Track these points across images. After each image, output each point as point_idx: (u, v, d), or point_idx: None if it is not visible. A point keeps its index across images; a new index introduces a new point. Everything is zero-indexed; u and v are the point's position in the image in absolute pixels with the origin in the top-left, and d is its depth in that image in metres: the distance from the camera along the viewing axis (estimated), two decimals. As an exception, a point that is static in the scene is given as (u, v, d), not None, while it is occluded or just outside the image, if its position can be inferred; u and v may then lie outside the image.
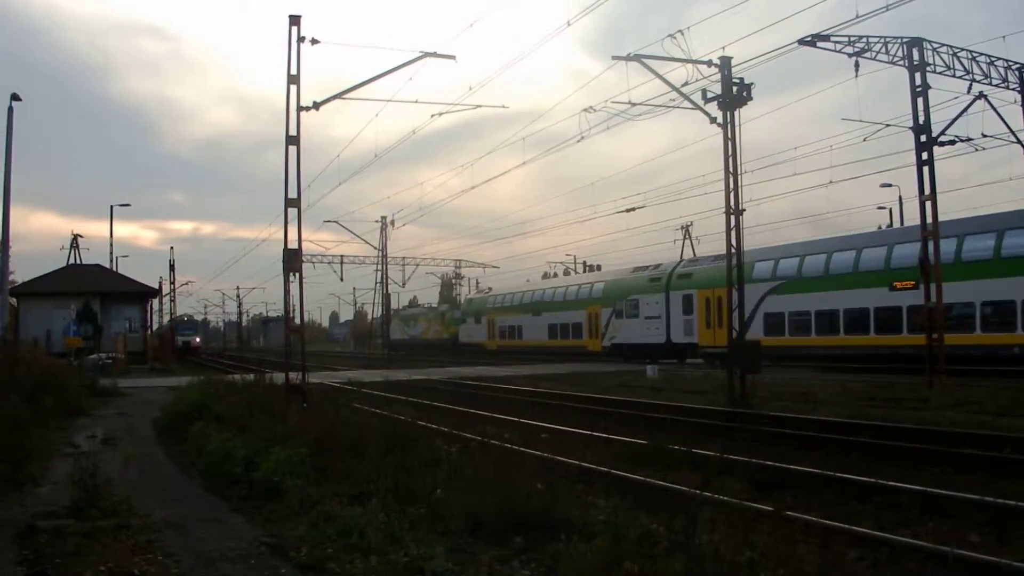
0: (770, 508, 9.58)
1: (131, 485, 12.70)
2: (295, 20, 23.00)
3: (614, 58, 27.84)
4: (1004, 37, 34.40)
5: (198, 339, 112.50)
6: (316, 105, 24.79)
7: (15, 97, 34.44)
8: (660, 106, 28.85)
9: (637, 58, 27.06)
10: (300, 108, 23.53)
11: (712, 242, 74.23)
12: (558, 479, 10.87)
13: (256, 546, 9.67)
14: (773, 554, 7.47)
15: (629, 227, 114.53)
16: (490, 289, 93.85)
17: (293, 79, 23.16)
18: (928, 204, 28.70)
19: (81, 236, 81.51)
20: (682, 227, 78.29)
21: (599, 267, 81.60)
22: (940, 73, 29.06)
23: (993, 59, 30.08)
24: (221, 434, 16.19)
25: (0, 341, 34.33)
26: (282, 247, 24.10)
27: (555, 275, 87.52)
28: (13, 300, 53.30)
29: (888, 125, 32.56)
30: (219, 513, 11.68)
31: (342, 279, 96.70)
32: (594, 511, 9.89)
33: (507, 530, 9.05)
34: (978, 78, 29.69)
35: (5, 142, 34.02)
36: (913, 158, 29.03)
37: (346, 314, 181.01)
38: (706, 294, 50.09)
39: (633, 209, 51.60)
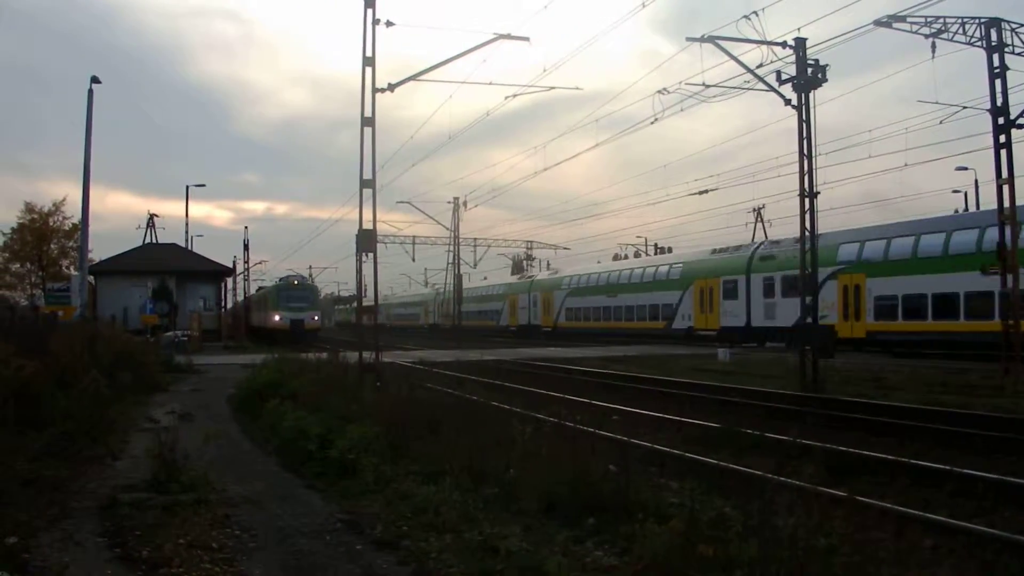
0: (845, 494, 9.48)
1: (208, 460, 12.89)
2: (370, 2, 23.09)
3: (688, 39, 27.64)
4: (1088, 17, 33.57)
5: (316, 316, 70.23)
6: (391, 87, 24.91)
7: (95, 79, 34.95)
8: (734, 88, 28.61)
9: (711, 39, 26.83)
10: (376, 90, 23.65)
11: (784, 225, 73.33)
12: (631, 461, 10.83)
13: (332, 522, 9.79)
14: (848, 540, 7.40)
15: (701, 209, 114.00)
16: (555, 270, 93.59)
17: (368, 61, 23.28)
18: (1006, 188, 28.19)
19: (157, 216, 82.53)
20: (754, 210, 77.70)
21: (670, 249, 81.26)
22: (1019, 54, 28.43)
23: (1075, 40, 29.35)
24: (296, 411, 16.38)
25: (80, 318, 34.97)
26: (355, 227, 24.35)
27: (625, 256, 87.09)
28: (91, 278, 54.25)
29: (965, 107, 31.97)
30: (294, 489, 11.84)
31: (414, 259, 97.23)
32: (667, 494, 9.85)
33: (581, 511, 9.06)
34: (1058, 59, 29.00)
35: (85, 123, 34.57)
36: (991, 141, 28.52)
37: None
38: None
39: (706, 191, 51.20)
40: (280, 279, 77.71)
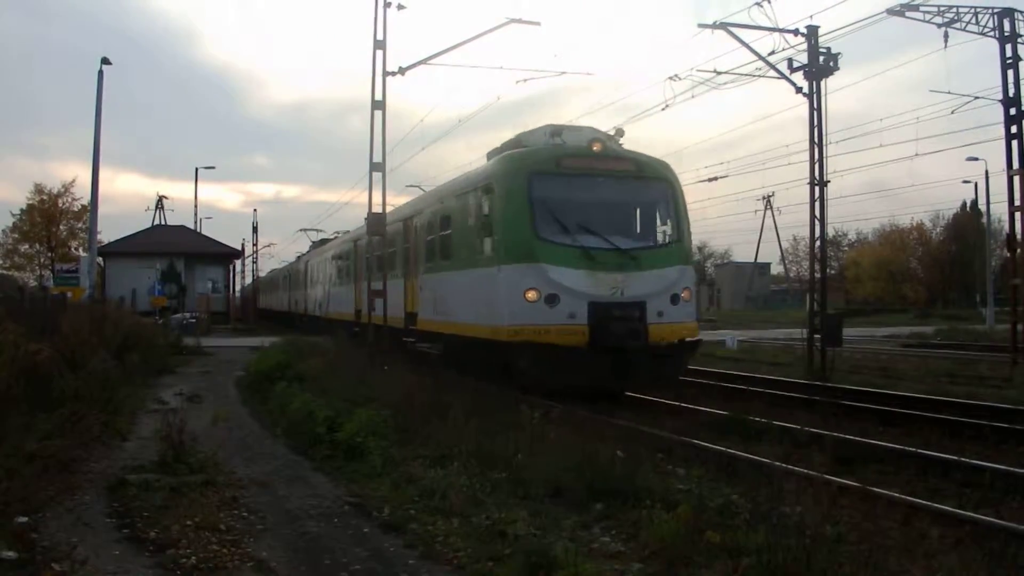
0: (854, 483, 9.49)
1: (216, 442, 12.94)
2: (381, -15, 23.03)
3: (699, 26, 27.51)
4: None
5: (686, 290, 18.64)
6: (402, 70, 24.92)
7: (105, 61, 34.95)
8: (746, 75, 28.41)
9: (723, 26, 26.70)
10: (386, 73, 23.66)
11: (794, 213, 73.28)
12: (639, 447, 10.85)
13: (339, 505, 9.83)
14: (857, 529, 7.41)
15: (711, 196, 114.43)
16: None
17: (379, 44, 23.30)
18: (1016, 178, 28.10)
19: (166, 197, 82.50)
20: (764, 197, 77.81)
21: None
22: (1032, 44, 28.28)
23: (1088, 30, 29.17)
24: (304, 394, 16.39)
25: (89, 299, 35.06)
26: (365, 210, 24.30)
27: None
28: (100, 259, 54.34)
29: (976, 97, 31.85)
30: (302, 472, 11.85)
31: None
32: (675, 480, 9.88)
33: (588, 496, 9.09)
34: (1072, 50, 28.82)
35: (95, 105, 34.58)
36: (1002, 131, 28.41)
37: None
38: None
39: (716, 178, 51.02)
40: (521, 138, 21.30)
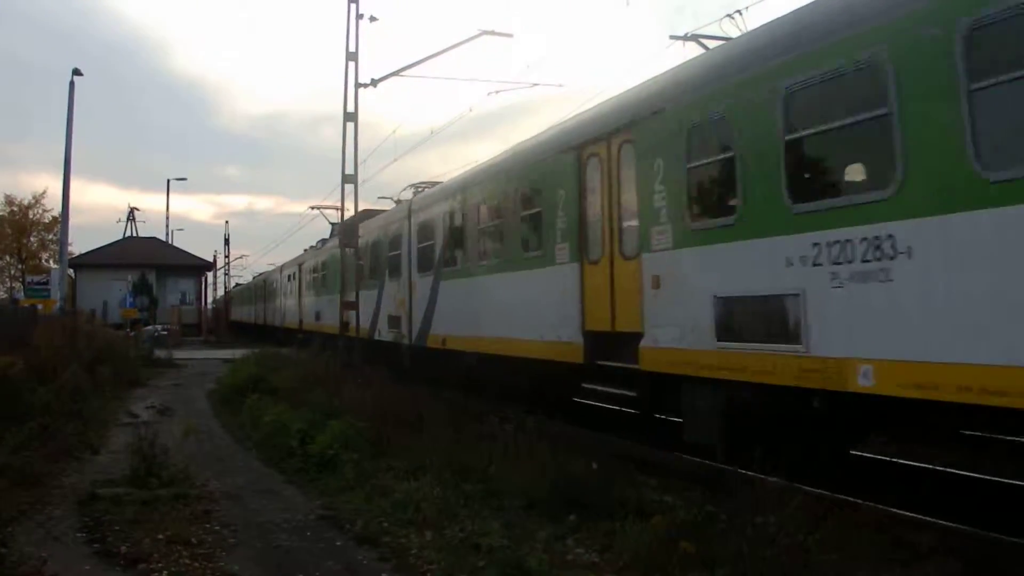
0: (830, 493, 9.50)
1: (188, 455, 12.85)
2: (354, -3, 23.02)
3: (671, 38, 27.54)
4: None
5: None
6: (374, 82, 24.87)
7: (76, 72, 34.84)
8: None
9: (694, 38, 26.71)
10: (359, 85, 23.64)
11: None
12: (614, 459, 10.84)
13: (312, 518, 9.76)
14: (834, 539, 7.40)
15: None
16: None
17: (352, 56, 23.27)
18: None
19: (138, 209, 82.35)
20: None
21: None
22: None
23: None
24: (276, 407, 16.33)
25: (60, 312, 34.86)
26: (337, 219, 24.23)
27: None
28: (71, 271, 54.06)
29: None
30: (274, 485, 11.78)
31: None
32: (650, 492, 9.85)
33: (562, 508, 9.05)
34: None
35: (67, 115, 34.45)
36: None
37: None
38: None
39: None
40: None
